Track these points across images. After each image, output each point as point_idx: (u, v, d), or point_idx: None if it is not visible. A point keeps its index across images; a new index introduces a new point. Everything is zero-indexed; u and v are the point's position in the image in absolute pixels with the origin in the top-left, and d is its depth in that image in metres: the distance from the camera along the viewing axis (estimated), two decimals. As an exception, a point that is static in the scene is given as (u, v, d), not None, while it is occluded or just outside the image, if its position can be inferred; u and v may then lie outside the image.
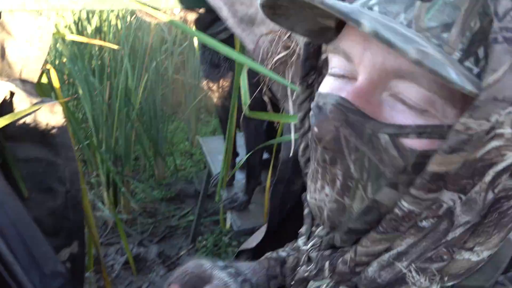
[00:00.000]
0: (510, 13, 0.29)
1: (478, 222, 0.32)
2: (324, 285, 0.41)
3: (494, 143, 0.29)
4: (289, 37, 0.85)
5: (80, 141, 1.83)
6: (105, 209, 2.04)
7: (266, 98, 0.99)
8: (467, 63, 0.31)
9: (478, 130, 0.28)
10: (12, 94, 0.84)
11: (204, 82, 1.59)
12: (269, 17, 0.39)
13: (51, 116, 0.89)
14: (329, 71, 0.39)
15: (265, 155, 1.78)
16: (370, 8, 0.34)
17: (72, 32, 2.15)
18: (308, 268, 0.42)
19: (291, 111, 0.88)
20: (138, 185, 2.41)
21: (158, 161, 2.51)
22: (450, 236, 0.33)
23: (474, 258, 0.33)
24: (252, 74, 0.95)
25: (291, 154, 0.88)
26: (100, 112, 1.97)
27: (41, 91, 0.97)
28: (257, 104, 1.08)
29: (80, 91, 1.91)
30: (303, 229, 0.48)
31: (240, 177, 1.79)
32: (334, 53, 0.38)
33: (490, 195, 0.31)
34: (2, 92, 0.83)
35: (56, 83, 1.01)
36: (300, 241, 0.47)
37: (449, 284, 0.33)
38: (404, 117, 0.33)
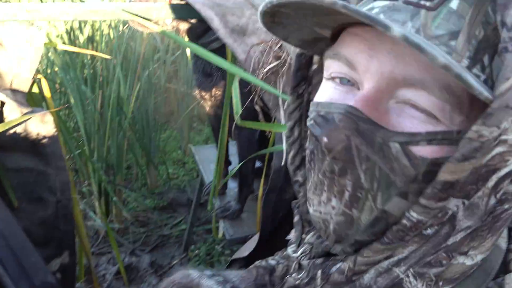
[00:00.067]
0: None
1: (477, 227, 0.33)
2: None
3: (498, 149, 0.29)
4: (280, 47, 0.86)
5: (71, 150, 1.82)
6: (97, 219, 2.02)
7: (257, 108, 1.00)
8: (475, 70, 0.31)
9: (489, 138, 0.29)
10: (2, 104, 0.84)
11: (197, 91, 1.59)
12: (267, 25, 0.38)
13: (41, 125, 0.88)
14: (327, 76, 0.39)
15: (258, 164, 1.77)
16: None
17: (64, 42, 2.15)
18: (299, 276, 0.42)
19: (283, 121, 0.88)
20: (130, 194, 2.39)
21: (150, 170, 2.50)
22: (451, 240, 0.33)
23: (469, 262, 0.33)
24: (243, 83, 0.95)
25: (283, 163, 0.89)
26: (92, 121, 1.96)
27: (32, 100, 0.97)
28: (249, 114, 1.08)
29: (72, 100, 1.90)
30: (292, 237, 0.48)
31: (233, 186, 1.78)
32: (334, 59, 0.38)
33: (492, 200, 0.32)
34: (-7, 102, 0.82)
35: (47, 93, 1.01)
36: (290, 249, 0.47)
37: None
38: (412, 124, 0.33)
